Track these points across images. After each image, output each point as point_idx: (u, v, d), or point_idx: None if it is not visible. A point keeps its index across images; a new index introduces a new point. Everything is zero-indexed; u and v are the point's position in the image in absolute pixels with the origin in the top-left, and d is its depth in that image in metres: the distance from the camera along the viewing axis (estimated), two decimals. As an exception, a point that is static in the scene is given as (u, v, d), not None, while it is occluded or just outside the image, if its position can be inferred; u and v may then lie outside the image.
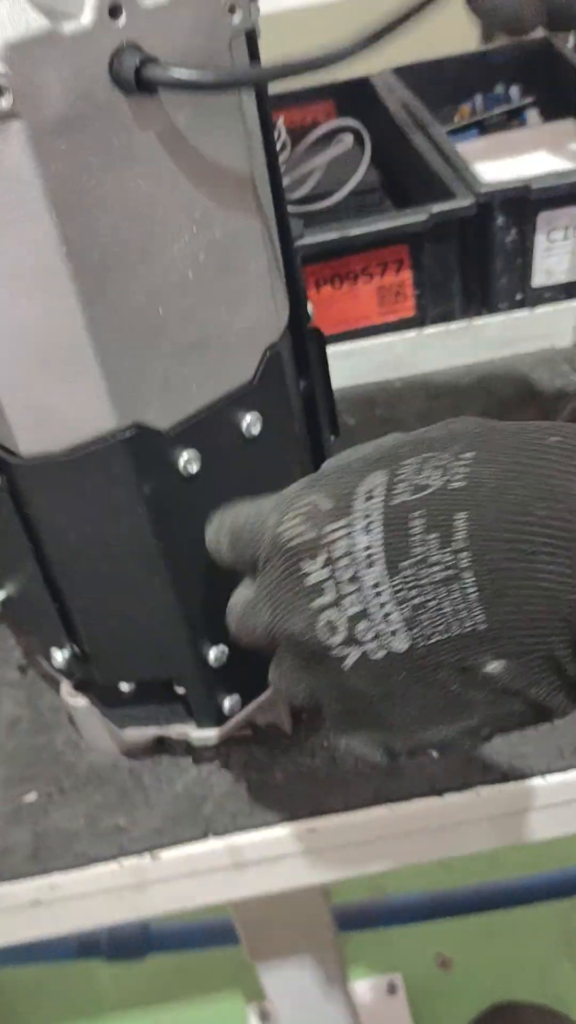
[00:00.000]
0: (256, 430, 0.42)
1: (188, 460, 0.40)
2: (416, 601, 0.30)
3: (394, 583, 0.30)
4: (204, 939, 1.20)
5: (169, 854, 0.49)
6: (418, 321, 0.78)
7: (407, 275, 0.75)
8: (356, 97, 0.95)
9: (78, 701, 0.52)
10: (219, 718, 0.48)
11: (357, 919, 1.25)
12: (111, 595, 0.44)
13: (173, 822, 0.50)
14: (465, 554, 0.29)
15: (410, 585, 0.30)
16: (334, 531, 0.32)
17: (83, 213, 0.33)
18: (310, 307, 0.48)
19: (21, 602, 0.49)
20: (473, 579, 0.29)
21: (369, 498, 0.32)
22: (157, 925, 1.20)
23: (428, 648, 0.30)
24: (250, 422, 0.42)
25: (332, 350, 0.77)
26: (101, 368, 0.36)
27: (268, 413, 0.43)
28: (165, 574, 0.42)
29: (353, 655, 0.32)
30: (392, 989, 1.27)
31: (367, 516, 0.31)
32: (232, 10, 0.35)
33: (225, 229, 0.38)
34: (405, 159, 0.83)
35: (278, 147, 0.51)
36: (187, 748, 0.52)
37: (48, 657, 0.49)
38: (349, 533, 0.32)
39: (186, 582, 0.43)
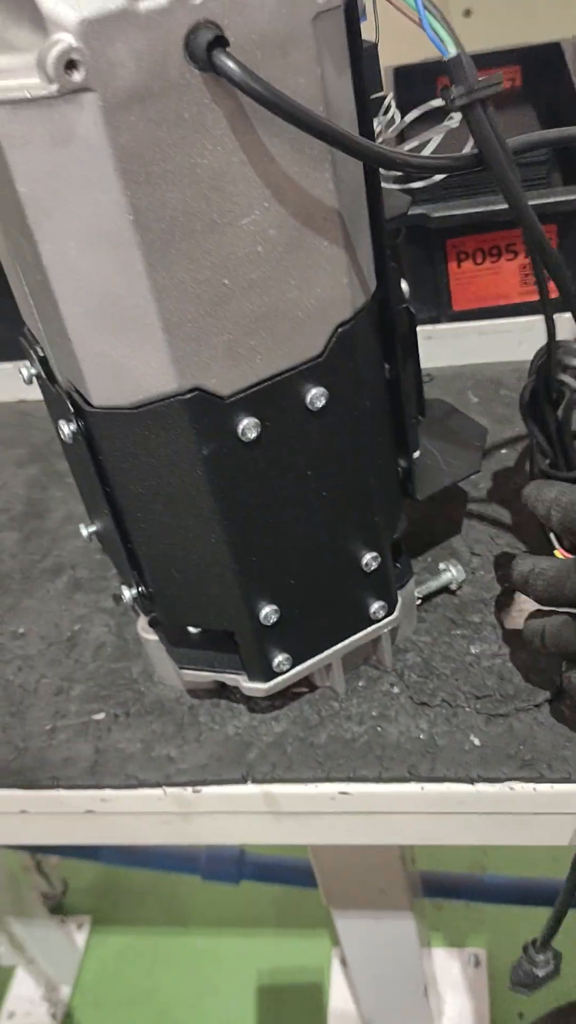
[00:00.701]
0: (321, 403, 0.43)
1: (247, 427, 0.42)
2: None
3: None
4: (298, 877, 1.24)
5: (209, 791, 0.52)
6: (561, 304, 0.75)
7: (554, 254, 0.72)
8: (543, 63, 0.91)
9: (150, 636, 0.55)
10: (268, 673, 0.50)
11: (447, 889, 1.26)
12: (172, 545, 0.46)
13: (218, 761, 0.53)
14: None
15: None
16: None
17: (152, 184, 0.35)
18: (404, 286, 0.48)
19: (104, 538, 0.53)
20: None
21: None
22: (254, 855, 1.25)
23: None
24: (315, 395, 0.43)
25: (468, 326, 0.77)
26: (164, 332, 0.38)
27: (336, 389, 0.43)
28: (221, 532, 0.44)
29: None
30: (476, 963, 1.28)
31: None
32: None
33: (298, 206, 0.38)
34: (579, 131, 0.79)
35: (385, 121, 0.50)
36: (244, 696, 0.55)
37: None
38: None
39: (242, 542, 0.45)
